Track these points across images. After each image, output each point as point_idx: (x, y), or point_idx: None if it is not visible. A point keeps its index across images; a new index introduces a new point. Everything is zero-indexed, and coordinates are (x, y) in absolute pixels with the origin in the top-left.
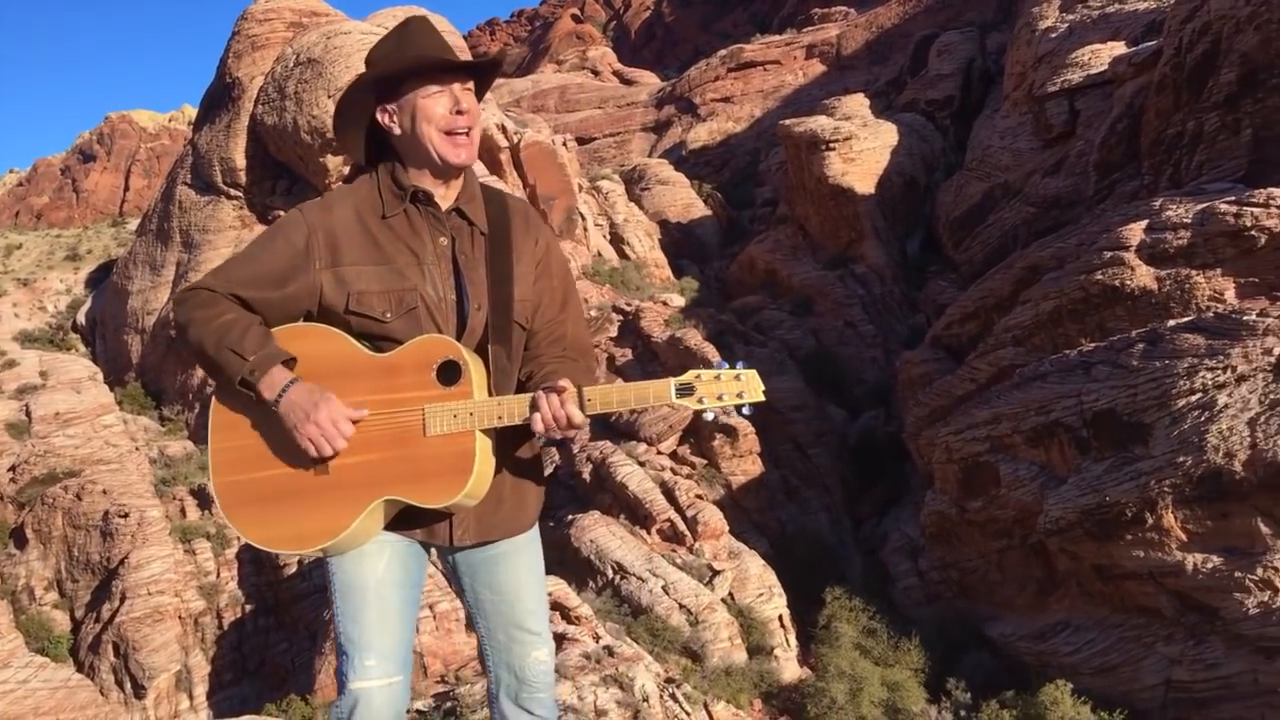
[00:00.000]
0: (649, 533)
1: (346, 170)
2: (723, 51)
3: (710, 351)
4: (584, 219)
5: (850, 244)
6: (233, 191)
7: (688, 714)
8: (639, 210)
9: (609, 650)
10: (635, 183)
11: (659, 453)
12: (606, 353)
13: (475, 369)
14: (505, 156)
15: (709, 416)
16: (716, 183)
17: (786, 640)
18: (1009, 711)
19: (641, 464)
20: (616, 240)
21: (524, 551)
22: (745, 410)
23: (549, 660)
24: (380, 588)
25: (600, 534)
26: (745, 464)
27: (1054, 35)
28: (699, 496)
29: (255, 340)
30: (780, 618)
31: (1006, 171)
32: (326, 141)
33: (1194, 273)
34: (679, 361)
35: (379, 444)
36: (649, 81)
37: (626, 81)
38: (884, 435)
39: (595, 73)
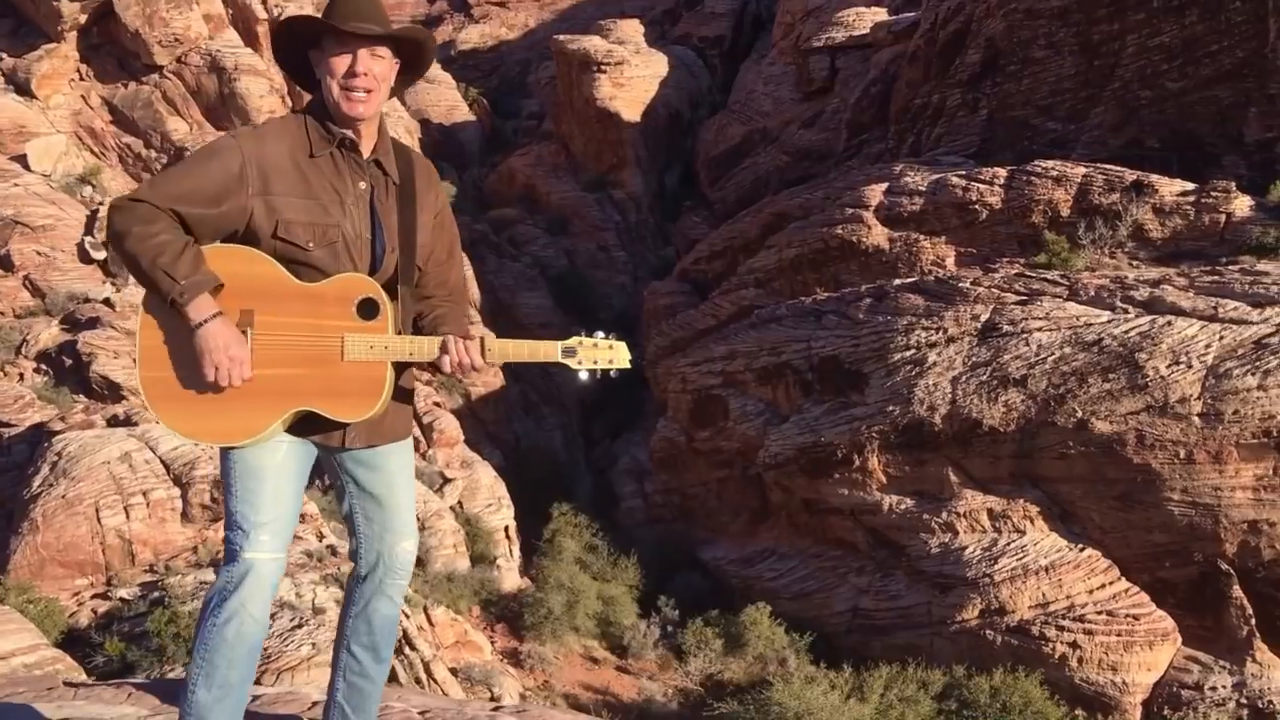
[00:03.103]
0: None
1: (83, 20)
2: None
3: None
4: None
5: (611, 169)
6: None
7: (406, 616)
8: (400, 106)
9: (332, 549)
10: None
11: None
12: None
13: (390, 309)
14: (263, 30)
15: (583, 377)
16: (484, 89)
17: (510, 551)
18: (712, 629)
19: None
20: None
21: (400, 454)
22: (613, 373)
23: (414, 551)
24: (277, 476)
25: None
26: (486, 376)
27: None
28: (437, 404)
29: (188, 264)
30: (506, 529)
31: (766, 118)
32: None
33: (922, 238)
34: None
35: (299, 362)
36: None
37: None
38: None
39: None
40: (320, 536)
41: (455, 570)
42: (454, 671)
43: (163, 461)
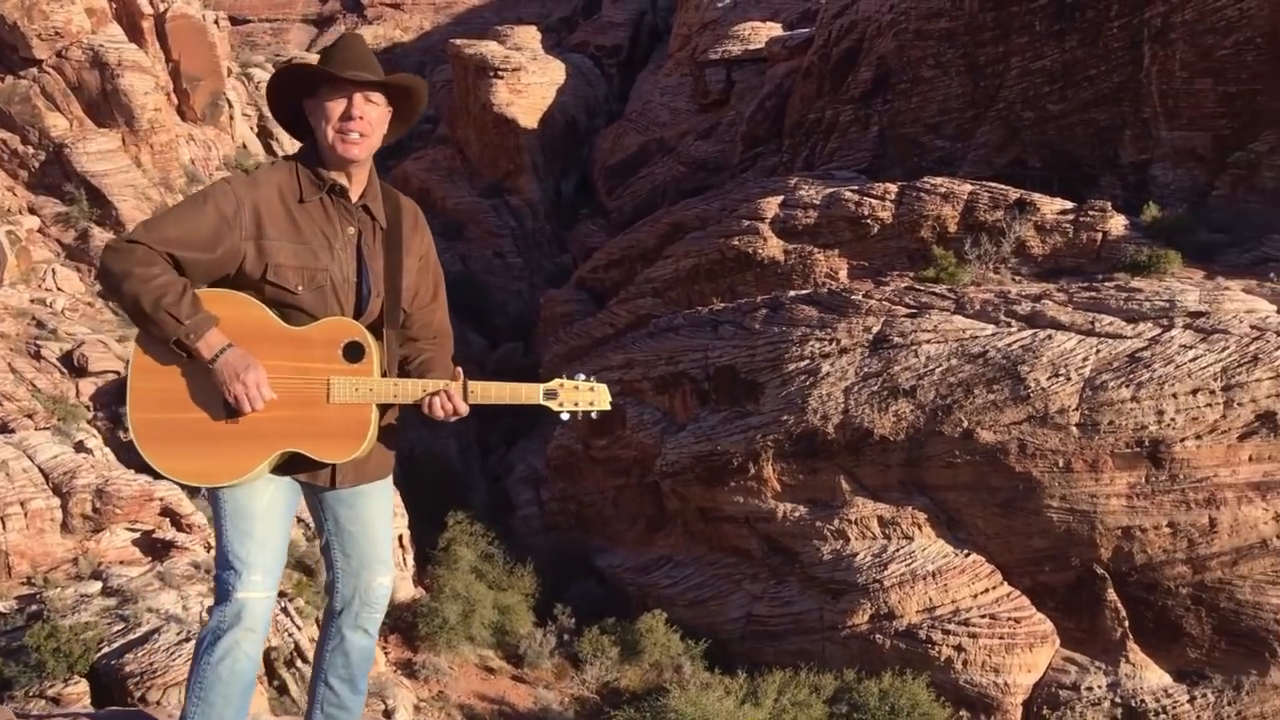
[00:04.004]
0: None
1: None
2: None
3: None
4: (231, 105)
5: (508, 175)
6: None
7: (299, 628)
8: None
9: None
10: None
11: None
12: None
13: (376, 351)
14: (149, 25)
15: (564, 418)
16: None
17: (404, 560)
18: (608, 637)
19: None
20: (264, 134)
21: (381, 492)
22: (594, 415)
23: (390, 585)
24: (266, 516)
25: None
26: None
27: (720, 5)
28: None
29: (189, 305)
30: (400, 538)
31: (663, 128)
32: None
33: (816, 250)
34: None
35: (285, 404)
36: None
37: None
38: (521, 368)
39: None
40: (208, 548)
41: None
42: None
43: (42, 470)
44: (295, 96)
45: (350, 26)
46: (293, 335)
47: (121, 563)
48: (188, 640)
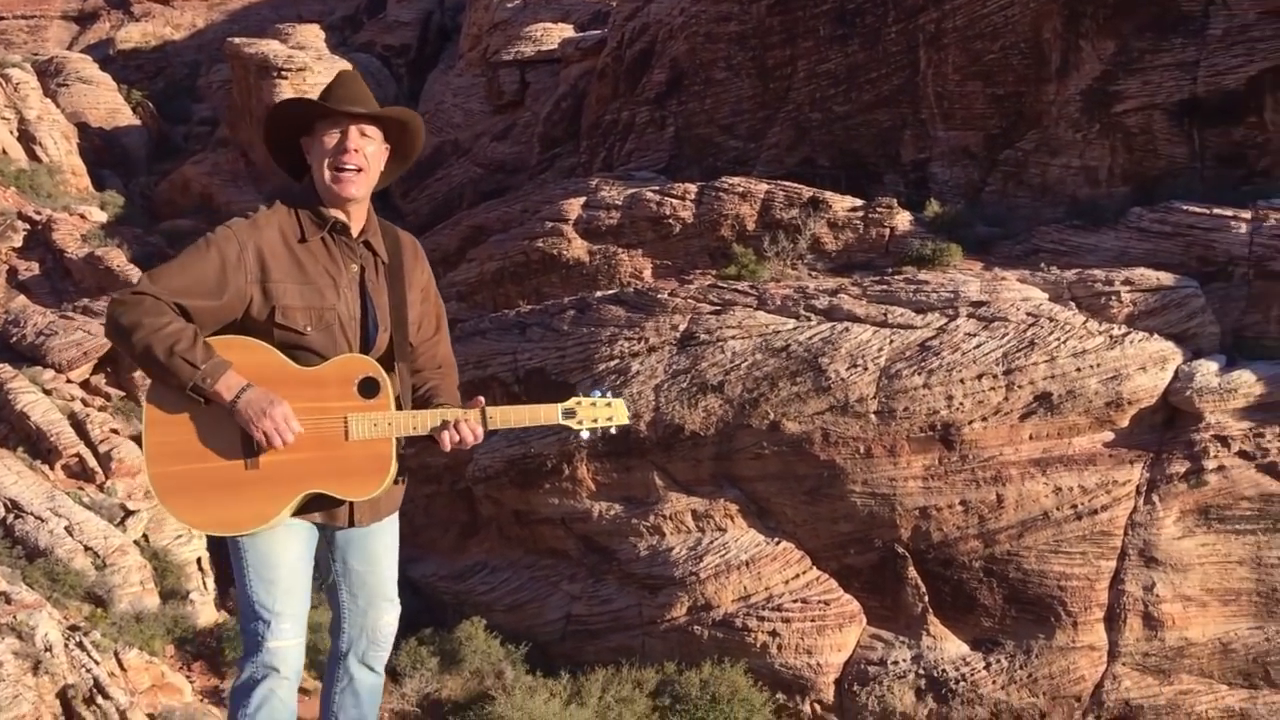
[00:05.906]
0: (53, 468)
1: None
2: None
3: (134, 273)
4: None
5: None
6: None
7: (97, 663)
8: (55, 108)
9: (6, 597)
10: (51, 77)
11: (69, 381)
12: (8, 265)
13: (390, 386)
14: None
15: (584, 436)
16: (148, 91)
17: (204, 584)
18: (426, 648)
19: (48, 392)
20: (26, 139)
21: (390, 528)
22: (613, 430)
23: (396, 623)
24: (292, 563)
25: None
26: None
27: (510, 5)
28: (115, 431)
29: (204, 351)
30: (200, 561)
31: (458, 130)
32: None
33: (620, 250)
34: (97, 282)
35: (304, 445)
36: None
37: None
38: None
39: None
40: None
41: (144, 608)
42: (152, 718)
43: None
44: (293, 134)
45: (115, 24)
46: (305, 376)
47: None
48: None
